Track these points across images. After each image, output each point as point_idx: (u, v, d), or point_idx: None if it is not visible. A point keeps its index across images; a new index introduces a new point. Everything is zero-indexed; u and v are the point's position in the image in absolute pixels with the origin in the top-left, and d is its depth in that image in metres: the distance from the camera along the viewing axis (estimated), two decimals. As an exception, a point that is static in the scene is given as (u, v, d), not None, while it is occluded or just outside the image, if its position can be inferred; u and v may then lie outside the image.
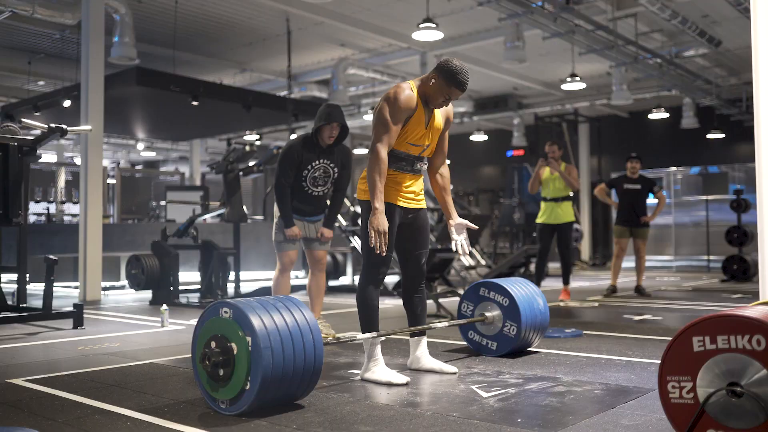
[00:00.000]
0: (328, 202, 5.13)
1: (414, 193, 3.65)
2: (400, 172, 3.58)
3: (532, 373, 3.65)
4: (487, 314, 4.17)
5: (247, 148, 7.57)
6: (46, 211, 16.33)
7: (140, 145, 21.67)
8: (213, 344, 2.86)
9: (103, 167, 19.02)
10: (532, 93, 16.94)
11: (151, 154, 24.27)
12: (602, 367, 3.82)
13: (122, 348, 4.71)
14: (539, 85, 15.93)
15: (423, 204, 3.71)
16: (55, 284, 5.91)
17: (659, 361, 2.24)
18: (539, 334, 4.26)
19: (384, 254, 3.43)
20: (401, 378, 3.42)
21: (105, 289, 9.22)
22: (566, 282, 7.63)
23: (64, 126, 5.61)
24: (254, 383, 2.73)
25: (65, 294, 9.33)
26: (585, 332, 5.15)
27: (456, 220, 3.71)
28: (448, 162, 3.89)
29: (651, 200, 8.53)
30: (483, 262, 10.93)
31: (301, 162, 4.78)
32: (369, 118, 16.23)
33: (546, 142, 7.84)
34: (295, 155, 4.75)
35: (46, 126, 5.64)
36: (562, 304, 7.35)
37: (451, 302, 6.74)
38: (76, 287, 9.52)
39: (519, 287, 4.19)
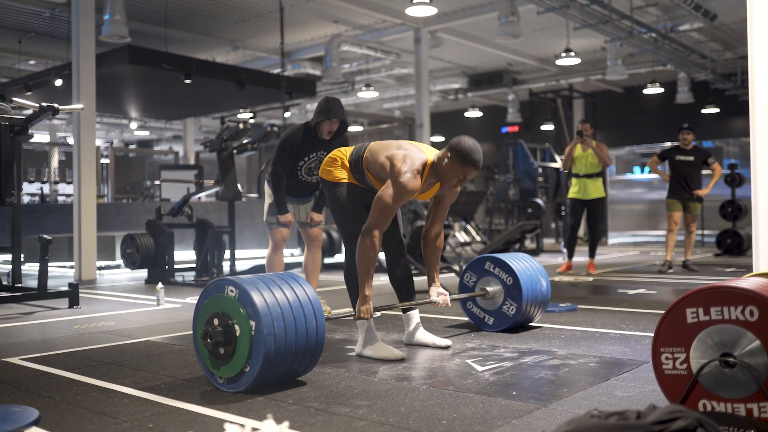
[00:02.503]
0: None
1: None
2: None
3: (527, 347, 3.67)
4: (489, 289, 4.16)
5: (241, 126, 7.52)
6: (39, 192, 16.27)
7: (133, 125, 21.57)
8: (216, 322, 2.85)
9: (97, 147, 18.96)
10: (526, 69, 16.87)
11: (144, 134, 24.19)
12: (596, 340, 3.85)
13: (118, 326, 4.71)
14: (534, 60, 15.86)
15: None
16: (50, 264, 5.89)
17: (653, 334, 2.26)
18: (538, 313, 4.27)
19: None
20: (397, 353, 3.43)
21: (100, 268, 9.20)
22: (592, 255, 7.89)
23: (56, 105, 5.56)
24: (254, 366, 2.74)
25: (60, 274, 9.32)
26: (580, 306, 5.18)
27: (438, 288, 3.72)
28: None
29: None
30: (478, 238, 10.94)
31: (299, 153, 4.73)
32: (363, 95, 16.16)
33: (578, 121, 7.99)
34: (294, 146, 4.70)
35: (38, 105, 5.59)
36: (580, 277, 7.55)
37: (446, 278, 6.76)
38: (71, 267, 9.51)
39: (524, 266, 4.16)
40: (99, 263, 9.30)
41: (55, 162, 21.25)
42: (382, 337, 3.76)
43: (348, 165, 3.60)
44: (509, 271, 4.10)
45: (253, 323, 2.74)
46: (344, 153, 3.65)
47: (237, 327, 2.80)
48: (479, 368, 3.19)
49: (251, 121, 17.72)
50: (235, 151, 7.78)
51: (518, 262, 4.18)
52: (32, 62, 15.33)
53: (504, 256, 4.22)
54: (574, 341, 3.83)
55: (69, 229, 9.38)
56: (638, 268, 8.63)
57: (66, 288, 5.88)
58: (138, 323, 4.86)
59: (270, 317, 2.75)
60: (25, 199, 17.51)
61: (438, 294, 3.69)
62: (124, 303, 6.11)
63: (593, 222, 7.80)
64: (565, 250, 8.02)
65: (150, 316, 5.22)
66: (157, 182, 17.05)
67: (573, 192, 7.82)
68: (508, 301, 4.10)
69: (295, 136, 4.70)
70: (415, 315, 3.80)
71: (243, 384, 2.79)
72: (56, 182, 17.90)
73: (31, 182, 17.28)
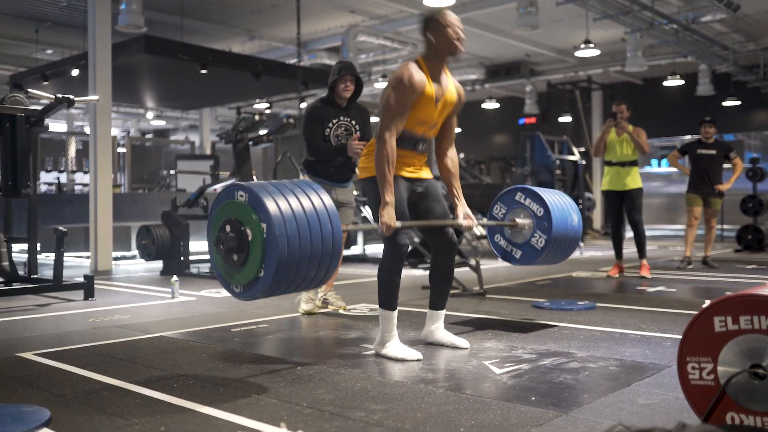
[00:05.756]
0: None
1: (415, 165, 3.56)
2: (400, 149, 3.47)
3: (545, 348, 3.60)
4: (518, 221, 4.00)
5: (257, 117, 7.47)
6: (56, 181, 16.33)
7: (150, 114, 21.61)
8: (228, 228, 2.80)
9: (113, 136, 19.02)
10: (544, 60, 16.69)
11: (161, 123, 24.22)
12: (616, 341, 3.77)
13: (132, 320, 4.69)
14: (552, 51, 15.69)
15: (429, 174, 3.61)
16: (66, 255, 5.89)
17: (675, 336, 2.19)
18: (567, 251, 4.11)
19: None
20: (415, 354, 3.38)
21: (116, 259, 9.22)
22: (642, 255, 7.03)
23: (71, 96, 5.54)
24: (269, 271, 2.69)
25: (77, 264, 9.35)
26: (598, 305, 5.09)
27: (464, 208, 3.63)
28: (459, 130, 3.80)
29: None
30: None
31: (323, 119, 4.74)
32: (379, 85, 16.06)
33: (613, 102, 7.28)
34: (317, 112, 4.74)
35: (53, 96, 5.57)
36: (641, 276, 6.94)
37: (461, 272, 6.69)
38: (88, 257, 9.52)
39: (556, 198, 4.02)
40: (115, 254, 9.31)
41: (72, 151, 21.30)
42: (399, 334, 3.70)
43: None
44: (540, 202, 3.93)
45: (264, 226, 2.68)
46: (372, 143, 3.58)
47: (249, 232, 2.74)
48: (497, 371, 3.13)
49: (267, 111, 17.69)
50: (251, 142, 7.73)
51: (550, 194, 4.03)
52: (49, 51, 15.36)
53: (535, 188, 4.05)
54: (594, 342, 3.75)
55: (86, 219, 9.37)
56: (657, 263, 8.49)
57: (81, 280, 5.88)
58: (152, 317, 4.84)
59: (282, 219, 2.68)
60: (42, 188, 17.59)
61: (465, 215, 3.60)
62: (139, 295, 6.09)
63: (633, 215, 6.96)
64: (582, 245, 7.92)
65: (165, 310, 5.20)
66: (172, 172, 17.08)
67: (606, 183, 7.11)
68: (537, 233, 3.94)
69: (315, 105, 4.79)
70: (441, 314, 3.73)
71: (259, 290, 2.75)
72: (73, 171, 17.97)
73: (48, 171, 17.36)
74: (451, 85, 3.55)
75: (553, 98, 17.20)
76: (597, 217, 17.18)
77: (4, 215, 6.37)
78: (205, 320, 4.69)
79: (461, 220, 3.59)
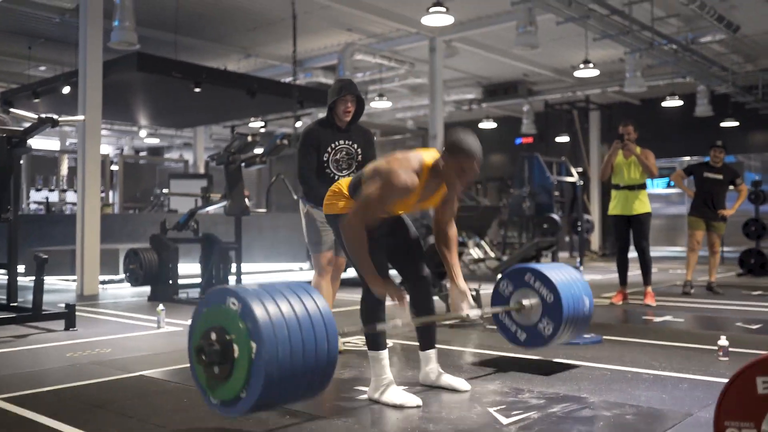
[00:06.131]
0: None
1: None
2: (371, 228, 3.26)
3: (553, 392, 3.35)
4: (525, 303, 3.76)
5: (250, 138, 7.24)
6: (45, 201, 16.06)
7: (143, 132, 21.39)
8: (213, 336, 2.52)
9: (105, 155, 18.79)
10: (542, 79, 16.57)
11: (155, 141, 23.99)
12: (629, 383, 3.52)
13: (113, 355, 4.42)
14: (550, 71, 15.56)
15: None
16: (53, 278, 5.62)
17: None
18: (577, 334, 3.90)
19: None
20: (413, 400, 3.12)
21: (103, 282, 8.95)
22: (647, 282, 6.82)
23: (55, 116, 5.31)
24: (252, 393, 2.42)
25: (63, 287, 9.08)
26: (604, 337, 4.85)
27: (460, 286, 3.32)
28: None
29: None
30: (492, 254, 10.62)
31: (320, 144, 4.36)
32: (375, 105, 15.90)
33: (620, 124, 6.96)
34: (314, 136, 4.35)
35: (36, 117, 5.34)
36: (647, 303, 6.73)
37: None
38: (75, 281, 9.25)
39: (567, 281, 3.77)
40: (103, 277, 9.04)
41: (64, 169, 21.05)
42: (395, 374, 3.44)
43: (347, 193, 3.28)
44: (551, 287, 3.69)
45: (254, 345, 2.41)
46: (342, 184, 3.34)
47: (236, 348, 2.46)
48: (504, 420, 2.88)
49: (262, 130, 17.49)
50: (243, 164, 7.51)
51: (561, 275, 3.78)
52: (42, 68, 15.16)
53: (546, 268, 3.79)
54: (605, 384, 3.50)
55: (75, 241, 9.12)
56: (660, 289, 8.22)
57: (62, 309, 5.60)
58: (135, 351, 4.58)
59: (274, 339, 2.39)
60: (32, 207, 17.32)
61: (465, 301, 3.30)
62: (124, 325, 5.83)
63: (641, 241, 6.73)
64: (581, 267, 7.68)
65: (149, 342, 4.94)
66: (165, 191, 16.84)
67: (613, 207, 6.86)
68: (545, 320, 3.71)
69: (312, 128, 4.40)
70: (434, 354, 3.49)
71: (238, 411, 2.48)
72: (64, 190, 17.71)
73: (38, 190, 17.11)
74: (438, 192, 3.29)
75: (551, 118, 17.04)
76: (595, 238, 16.99)
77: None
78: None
79: (465, 311, 3.29)
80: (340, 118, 4.37)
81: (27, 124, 5.71)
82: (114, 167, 20.10)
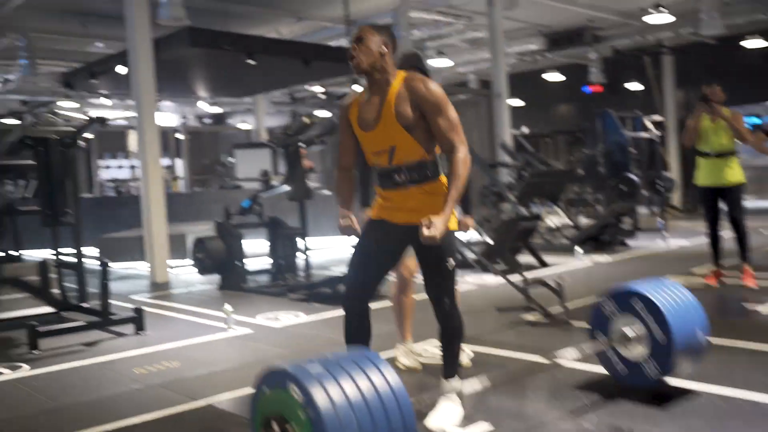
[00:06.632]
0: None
1: (402, 208, 3.00)
2: (381, 188, 3.09)
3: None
4: (630, 334, 3.32)
5: (307, 120, 6.93)
6: (114, 181, 16.30)
7: (204, 103, 21.38)
8: (275, 427, 2.25)
9: (169, 127, 18.83)
10: (609, 24, 15.63)
11: (217, 109, 23.95)
12: (748, 420, 3.03)
13: (181, 372, 4.25)
14: (617, 15, 14.66)
15: (416, 219, 2.85)
16: (126, 262, 5.42)
17: None
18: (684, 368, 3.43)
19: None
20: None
21: (174, 267, 8.96)
22: (745, 258, 6.09)
23: (104, 116, 5.13)
24: None
25: (137, 273, 9.20)
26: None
27: (440, 215, 2.78)
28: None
29: None
30: (567, 221, 10.15)
31: None
32: (433, 63, 15.36)
33: (702, 84, 6.26)
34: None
35: (86, 117, 5.17)
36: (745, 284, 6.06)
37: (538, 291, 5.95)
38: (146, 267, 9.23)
39: (682, 315, 3.28)
40: (172, 262, 9.01)
41: (132, 144, 21.17)
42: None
43: None
44: (662, 324, 3.21)
45: None
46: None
47: None
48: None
49: (322, 96, 17.16)
50: (302, 145, 7.22)
51: (672, 302, 3.30)
52: (100, 44, 15.10)
53: (656, 293, 3.31)
54: (719, 421, 3.04)
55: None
56: (756, 259, 6.61)
57: (131, 314, 5.48)
58: (203, 365, 4.39)
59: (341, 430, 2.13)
60: (103, 184, 17.54)
61: (429, 223, 2.73)
62: (192, 325, 5.71)
63: (734, 213, 6.04)
64: (664, 229, 7.04)
65: (217, 352, 4.77)
66: (231, 160, 16.82)
67: (702, 177, 6.13)
68: (651, 362, 3.27)
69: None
70: (446, 386, 3.13)
71: None
72: (132, 167, 17.88)
73: (107, 168, 17.34)
74: (388, 106, 2.91)
75: (620, 65, 16.17)
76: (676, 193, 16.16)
77: (52, 239, 6.06)
78: (257, 371, 4.20)
79: (424, 230, 2.72)
80: None
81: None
82: (179, 135, 20.21)
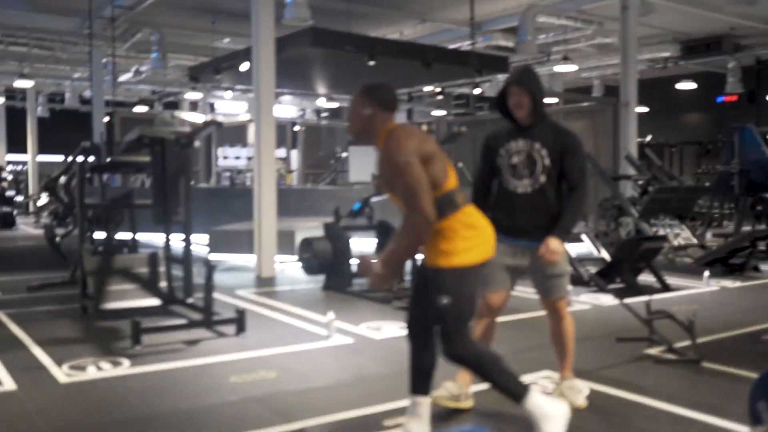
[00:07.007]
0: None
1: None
2: None
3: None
4: None
5: (461, 129, 6.74)
6: (230, 173, 16.73)
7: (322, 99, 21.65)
8: None
9: (288, 120, 19.17)
10: (753, 32, 14.57)
11: (334, 105, 24.21)
12: None
13: (277, 384, 4.12)
14: (762, 23, 13.62)
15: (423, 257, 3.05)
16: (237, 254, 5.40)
17: None
18: None
19: None
20: None
21: (280, 262, 8.99)
22: None
23: (220, 120, 5.11)
24: None
25: (244, 265, 9.33)
26: None
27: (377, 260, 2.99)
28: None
29: None
30: (694, 240, 9.46)
31: (493, 144, 3.59)
32: (558, 68, 14.83)
33: None
34: (490, 136, 3.65)
35: (202, 121, 5.17)
36: None
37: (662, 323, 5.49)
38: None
39: None
40: (280, 258, 9.06)
41: (251, 137, 21.63)
42: None
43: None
44: None
45: None
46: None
47: None
48: None
49: (440, 97, 16.95)
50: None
51: None
52: (226, 40, 15.52)
53: None
54: None
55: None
56: None
57: (233, 315, 5.45)
58: (300, 380, 4.24)
59: None
60: (221, 172, 18.01)
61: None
62: (293, 329, 5.62)
63: None
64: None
65: (316, 364, 4.62)
66: (344, 154, 16.90)
67: None
68: None
69: (492, 131, 3.72)
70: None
71: None
72: (250, 158, 18.27)
73: (225, 158, 17.82)
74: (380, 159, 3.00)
75: (763, 76, 15.05)
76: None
77: (164, 234, 6.17)
78: (364, 388, 4.03)
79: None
80: (514, 113, 3.56)
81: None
82: (297, 128, 20.56)
